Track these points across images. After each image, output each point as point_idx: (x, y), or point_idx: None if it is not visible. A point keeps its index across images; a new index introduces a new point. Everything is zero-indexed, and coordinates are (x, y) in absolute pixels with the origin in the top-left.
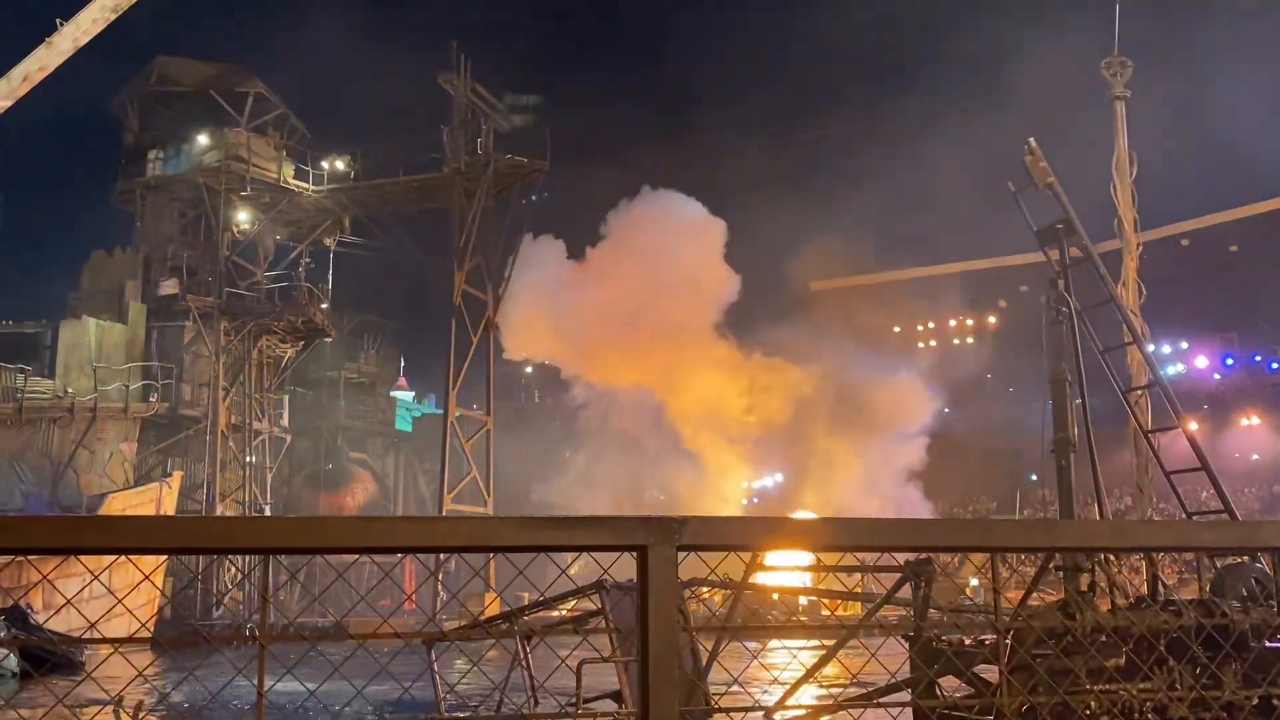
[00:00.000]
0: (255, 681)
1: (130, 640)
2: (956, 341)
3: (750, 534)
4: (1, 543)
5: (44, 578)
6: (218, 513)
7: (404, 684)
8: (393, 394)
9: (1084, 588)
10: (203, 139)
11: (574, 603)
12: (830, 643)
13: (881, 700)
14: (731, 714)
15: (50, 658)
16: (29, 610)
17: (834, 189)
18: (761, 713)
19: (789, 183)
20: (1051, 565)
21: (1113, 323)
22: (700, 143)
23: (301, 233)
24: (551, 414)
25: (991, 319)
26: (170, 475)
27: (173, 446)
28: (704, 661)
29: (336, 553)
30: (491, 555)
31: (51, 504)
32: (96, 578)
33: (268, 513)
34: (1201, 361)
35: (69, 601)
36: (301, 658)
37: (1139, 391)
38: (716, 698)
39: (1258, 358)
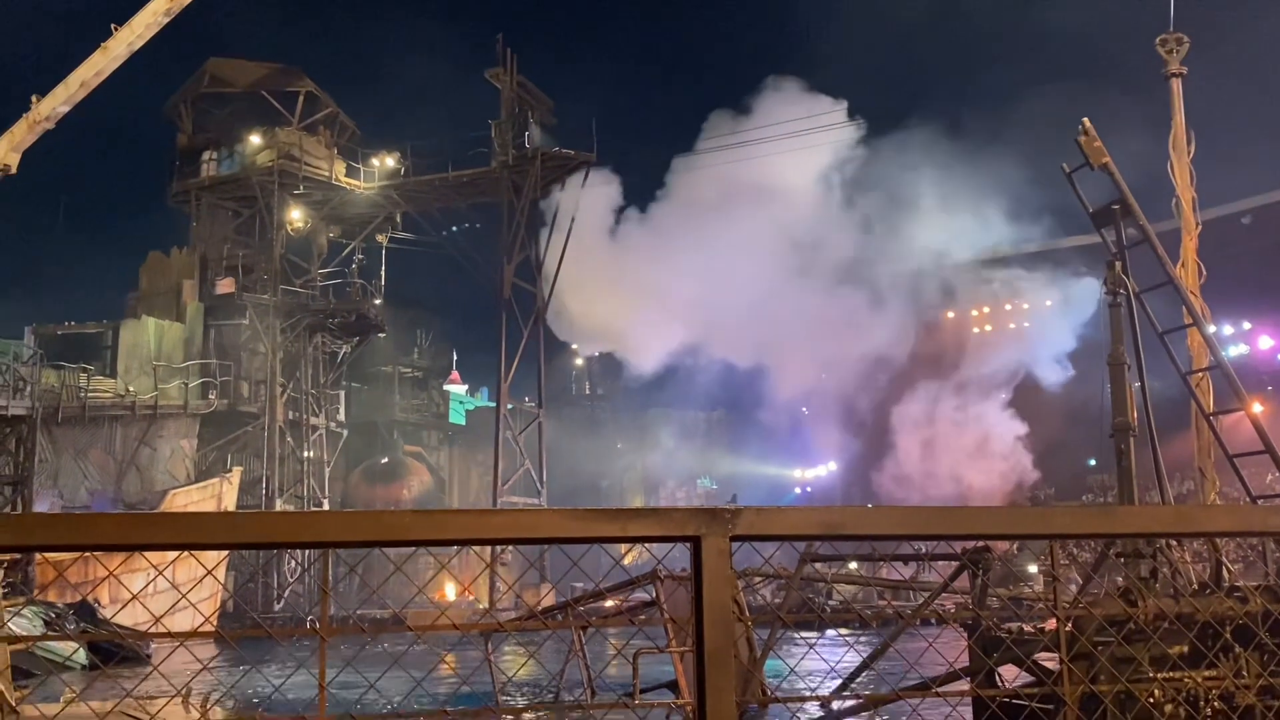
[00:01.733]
0: (316, 674)
1: (194, 635)
2: (1013, 326)
3: (804, 524)
4: (68, 539)
5: (110, 574)
6: (276, 507)
7: (462, 675)
8: (446, 388)
9: (1145, 574)
10: (255, 139)
11: (629, 593)
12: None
13: (940, 690)
14: (788, 704)
15: (117, 651)
16: (96, 605)
17: (885, 173)
18: (818, 703)
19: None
20: (1112, 552)
21: (1173, 304)
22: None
23: (353, 229)
24: (604, 404)
25: (1048, 302)
26: (230, 471)
27: (231, 442)
28: (759, 652)
29: (393, 545)
30: (545, 548)
31: (116, 501)
32: (161, 573)
33: (325, 507)
34: (1265, 342)
35: (134, 596)
36: (360, 650)
37: (1200, 374)
38: (772, 688)
39: None
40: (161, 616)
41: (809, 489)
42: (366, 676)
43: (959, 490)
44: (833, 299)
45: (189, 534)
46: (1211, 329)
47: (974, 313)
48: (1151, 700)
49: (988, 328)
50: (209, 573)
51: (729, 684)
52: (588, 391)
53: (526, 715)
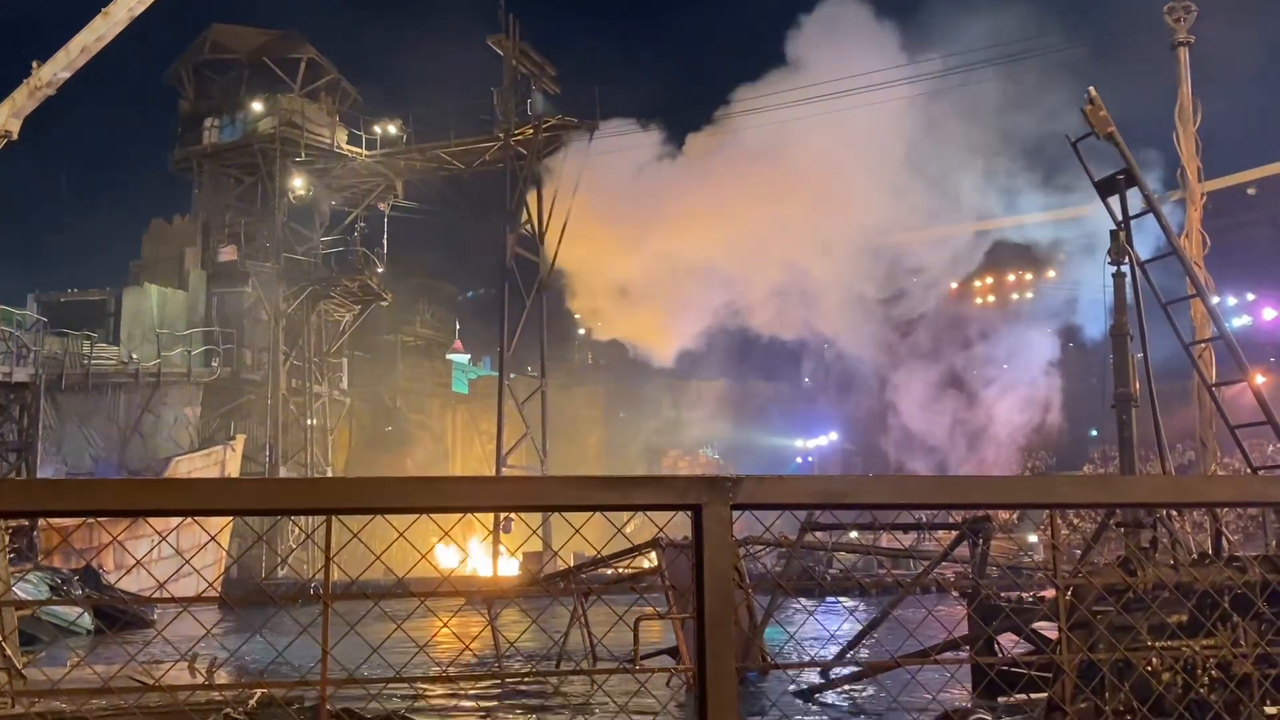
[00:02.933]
0: (319, 639)
1: (198, 599)
2: (1015, 296)
3: (805, 493)
4: (74, 505)
5: (114, 539)
6: (280, 473)
7: (465, 641)
8: (449, 356)
9: (1145, 544)
10: (257, 106)
11: (631, 560)
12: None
13: (939, 657)
14: (788, 670)
15: (122, 616)
16: (101, 571)
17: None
18: (818, 669)
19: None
20: (1113, 522)
21: (1176, 274)
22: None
23: (356, 197)
24: (607, 374)
25: (1051, 273)
26: (234, 439)
27: (235, 410)
28: (760, 618)
29: (396, 512)
30: (548, 516)
31: (119, 468)
32: (164, 539)
33: (329, 474)
34: (1269, 313)
35: (138, 562)
36: (364, 616)
37: (1203, 345)
38: (773, 655)
39: None
40: (166, 582)
41: (810, 459)
42: (369, 642)
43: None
44: (853, 265)
45: (193, 500)
46: (1215, 299)
47: (1011, 277)
48: (1149, 668)
49: (1019, 295)
50: (212, 539)
51: (729, 650)
52: (590, 360)
53: (528, 680)
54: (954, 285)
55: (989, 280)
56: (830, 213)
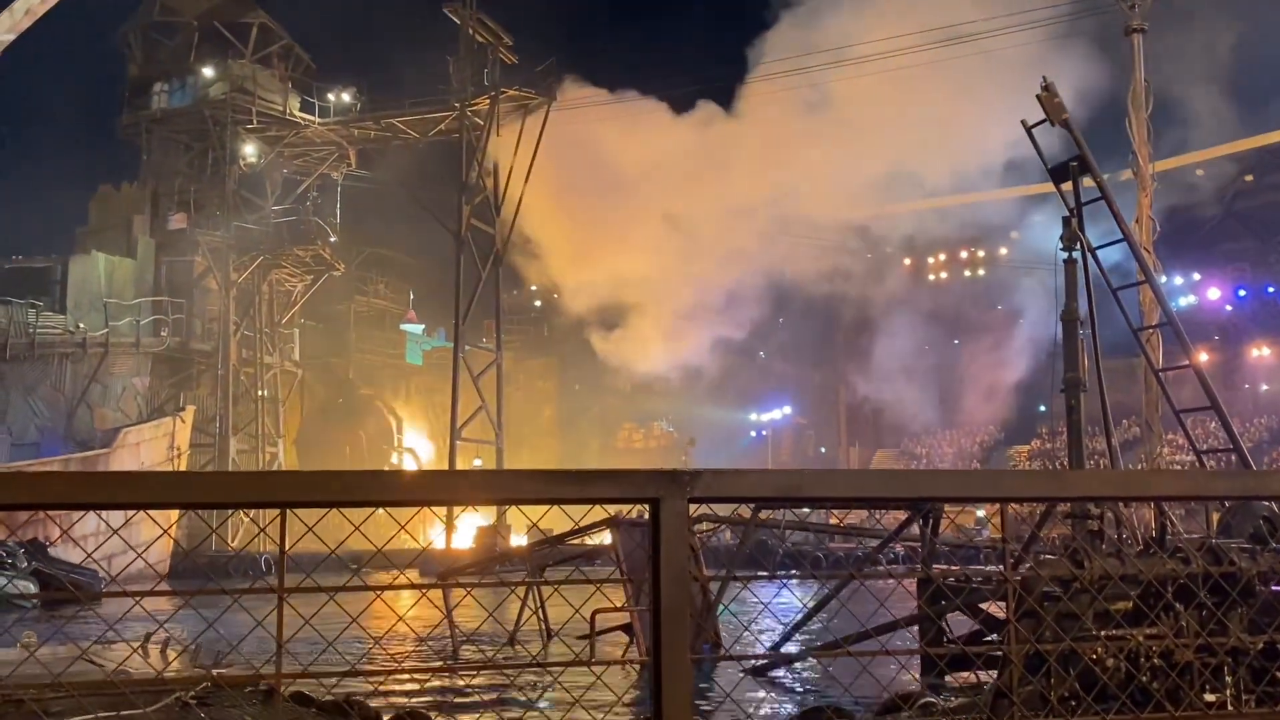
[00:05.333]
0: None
1: (150, 593)
2: (967, 273)
3: (761, 487)
4: (19, 498)
5: (64, 533)
6: (230, 446)
7: (421, 637)
8: (403, 327)
9: (1092, 530)
10: (207, 71)
11: (585, 538)
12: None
13: (891, 649)
14: (741, 662)
15: (68, 588)
16: (47, 543)
17: (839, 120)
18: (768, 656)
19: (798, 115)
20: (1059, 511)
21: (1127, 255)
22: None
23: (309, 166)
24: (562, 346)
25: (1003, 250)
26: (183, 409)
27: (185, 381)
28: (712, 597)
29: (350, 505)
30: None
31: (66, 438)
32: (116, 533)
33: (280, 447)
34: (1214, 293)
35: (75, 541)
36: (319, 610)
37: (1150, 330)
38: (725, 647)
39: (1270, 289)
40: (118, 576)
41: (764, 433)
42: (324, 636)
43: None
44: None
45: (144, 493)
46: (1162, 279)
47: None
48: (1094, 657)
49: (970, 272)
50: (165, 532)
51: (685, 643)
52: (546, 334)
53: (484, 671)
54: (906, 261)
55: (941, 257)
56: (794, 184)
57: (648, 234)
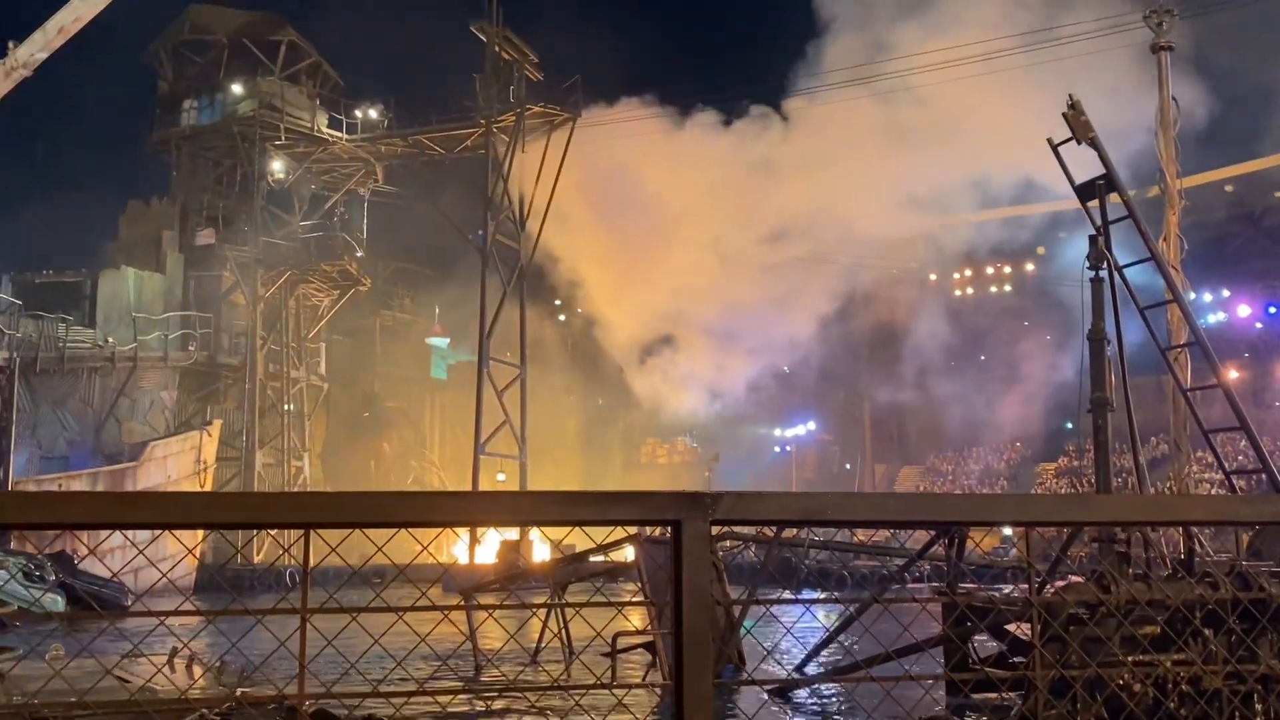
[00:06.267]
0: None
1: (175, 613)
2: (994, 289)
3: (784, 510)
4: (46, 518)
5: (91, 551)
6: (256, 460)
7: (443, 653)
8: (428, 341)
9: (1120, 553)
10: (236, 88)
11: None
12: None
13: (915, 675)
14: (763, 687)
15: (95, 601)
16: (74, 557)
17: (868, 140)
18: (793, 666)
19: (826, 133)
20: (1086, 535)
21: (1153, 273)
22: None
23: (336, 182)
24: (586, 361)
25: (1030, 266)
26: (210, 423)
27: (212, 395)
28: (735, 617)
29: (375, 527)
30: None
31: (94, 452)
32: (142, 552)
33: (306, 460)
34: (1244, 310)
35: (99, 559)
36: (341, 631)
37: (1178, 349)
38: (748, 672)
39: None
40: (142, 596)
41: (788, 448)
42: (347, 657)
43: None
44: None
45: (168, 513)
46: (1191, 296)
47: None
48: (1120, 683)
49: (996, 288)
50: (190, 552)
51: (707, 667)
52: (570, 348)
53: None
54: (932, 277)
55: (967, 272)
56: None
57: (679, 258)
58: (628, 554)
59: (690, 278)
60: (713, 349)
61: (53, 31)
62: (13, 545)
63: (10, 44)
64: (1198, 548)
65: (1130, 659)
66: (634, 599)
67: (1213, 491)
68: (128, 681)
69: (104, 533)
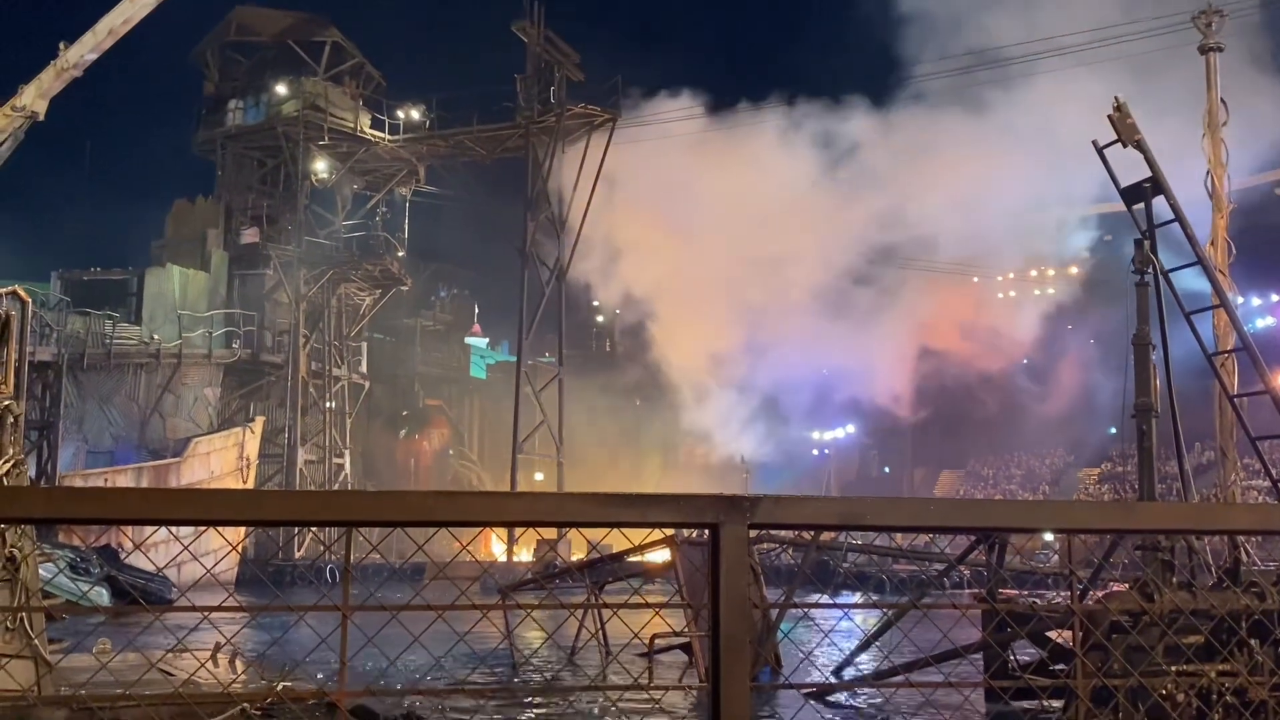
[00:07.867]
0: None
1: (218, 609)
2: (1037, 292)
3: (822, 514)
4: (95, 513)
5: (137, 547)
6: (298, 457)
7: (481, 651)
8: (467, 340)
9: (1164, 560)
10: (281, 89)
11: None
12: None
13: (953, 680)
14: (800, 689)
15: (140, 595)
16: (119, 550)
17: (913, 142)
18: (830, 670)
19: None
20: (1130, 544)
21: (1200, 277)
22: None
23: (378, 182)
24: (625, 361)
25: (1074, 269)
26: (253, 420)
27: (255, 392)
28: (772, 620)
29: (415, 525)
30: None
31: (140, 447)
32: (186, 548)
33: (347, 458)
34: None
35: (143, 553)
36: (381, 628)
37: (1225, 355)
38: (785, 675)
39: None
40: (188, 591)
41: (826, 450)
42: (387, 654)
43: None
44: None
45: (214, 510)
46: (1239, 300)
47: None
48: (1163, 693)
49: (1039, 290)
50: (234, 549)
51: (744, 672)
52: (609, 349)
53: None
54: (975, 280)
55: (1010, 275)
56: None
57: (721, 264)
58: (664, 554)
59: (739, 287)
60: (773, 384)
61: (103, 33)
62: (60, 539)
63: (61, 45)
64: (1244, 556)
65: (1174, 669)
66: (670, 600)
67: (1259, 499)
68: (172, 675)
69: (148, 531)
